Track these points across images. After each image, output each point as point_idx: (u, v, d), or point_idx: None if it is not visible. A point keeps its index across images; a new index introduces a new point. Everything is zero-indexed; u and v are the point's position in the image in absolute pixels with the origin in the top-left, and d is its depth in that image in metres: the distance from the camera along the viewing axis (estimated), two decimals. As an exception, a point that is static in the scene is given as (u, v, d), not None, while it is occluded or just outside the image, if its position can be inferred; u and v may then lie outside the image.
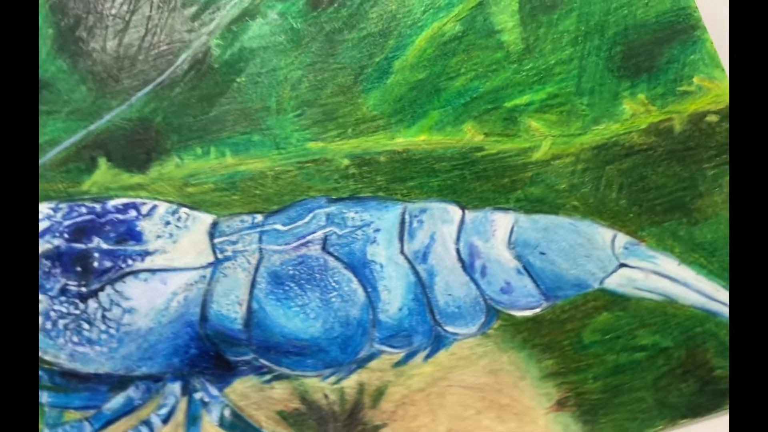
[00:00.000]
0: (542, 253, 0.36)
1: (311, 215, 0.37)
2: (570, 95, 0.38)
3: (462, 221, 0.37)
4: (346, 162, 0.38)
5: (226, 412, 0.35)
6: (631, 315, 0.36)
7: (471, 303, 0.36)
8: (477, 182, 0.38)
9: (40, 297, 0.35)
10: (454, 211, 0.37)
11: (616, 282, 0.36)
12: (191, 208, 0.37)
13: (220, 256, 0.37)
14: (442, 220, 0.37)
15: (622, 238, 0.36)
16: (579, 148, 0.38)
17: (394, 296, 0.36)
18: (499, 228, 0.37)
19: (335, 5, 0.39)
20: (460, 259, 0.36)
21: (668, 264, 0.36)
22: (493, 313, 0.36)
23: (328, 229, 0.37)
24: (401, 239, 0.37)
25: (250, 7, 0.39)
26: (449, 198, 0.37)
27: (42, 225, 0.36)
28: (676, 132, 0.38)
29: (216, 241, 0.37)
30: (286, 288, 0.36)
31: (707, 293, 0.36)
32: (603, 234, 0.37)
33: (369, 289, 0.36)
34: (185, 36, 0.38)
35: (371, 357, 0.36)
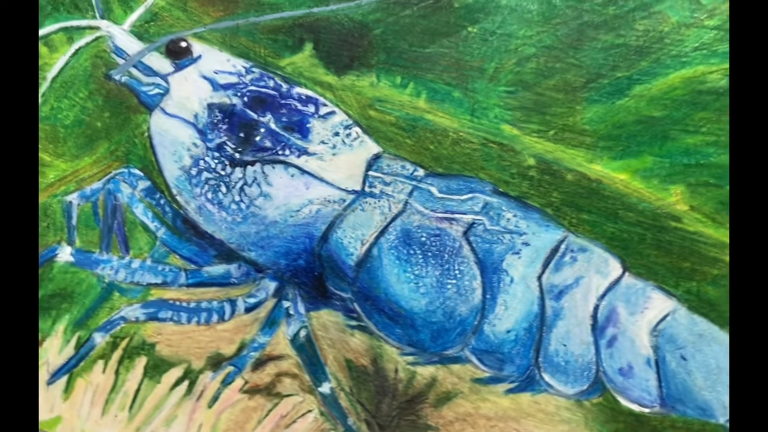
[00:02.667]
0: (684, 359, 0.32)
1: (470, 195, 0.35)
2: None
3: (617, 281, 0.33)
4: (531, 161, 0.35)
5: (302, 333, 0.35)
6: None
7: (582, 365, 0.33)
8: (655, 251, 0.33)
9: (198, 142, 0.36)
10: (614, 267, 0.33)
11: None
12: (364, 130, 0.36)
13: (367, 189, 0.35)
14: (596, 269, 0.33)
15: (781, 392, 0.31)
16: (787, 273, 0.32)
17: (509, 316, 0.33)
18: (653, 309, 0.33)
19: (606, -2, 0.34)
20: (594, 318, 0.33)
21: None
22: (598, 387, 0.33)
23: (479, 217, 0.35)
24: (545, 265, 0.34)
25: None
26: (616, 251, 0.33)
27: (230, 78, 0.36)
28: None
29: (371, 173, 0.36)
30: (411, 252, 0.34)
31: None
32: (762, 375, 0.31)
33: (488, 296, 0.34)
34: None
35: (456, 360, 0.34)
